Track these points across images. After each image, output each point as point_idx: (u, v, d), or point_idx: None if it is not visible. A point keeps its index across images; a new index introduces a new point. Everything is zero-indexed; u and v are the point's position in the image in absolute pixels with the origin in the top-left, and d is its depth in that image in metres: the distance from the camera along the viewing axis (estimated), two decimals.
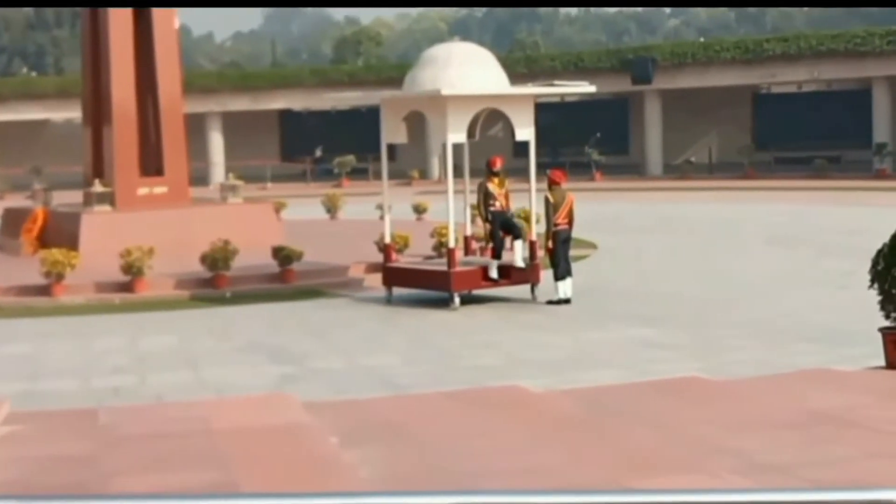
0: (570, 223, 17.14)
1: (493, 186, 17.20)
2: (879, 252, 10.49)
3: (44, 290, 18.22)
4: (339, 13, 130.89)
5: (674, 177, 43.38)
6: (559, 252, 16.86)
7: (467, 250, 18.17)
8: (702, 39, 54.50)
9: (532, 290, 16.91)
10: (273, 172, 46.27)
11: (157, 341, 14.73)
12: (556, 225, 16.93)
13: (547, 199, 17.02)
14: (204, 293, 18.30)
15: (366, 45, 78.40)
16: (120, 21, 23.29)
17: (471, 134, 17.09)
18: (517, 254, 16.89)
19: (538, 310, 16.42)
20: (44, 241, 22.34)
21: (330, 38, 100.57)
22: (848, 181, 38.66)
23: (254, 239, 20.13)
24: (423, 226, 23.43)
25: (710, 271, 20.23)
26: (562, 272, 16.77)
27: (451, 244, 16.69)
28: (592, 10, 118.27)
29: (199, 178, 37.98)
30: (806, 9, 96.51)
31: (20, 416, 8.53)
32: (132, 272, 18.16)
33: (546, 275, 17.10)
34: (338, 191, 35.53)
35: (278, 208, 26.18)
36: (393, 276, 17.39)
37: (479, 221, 17.98)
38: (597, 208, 28.25)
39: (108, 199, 22.86)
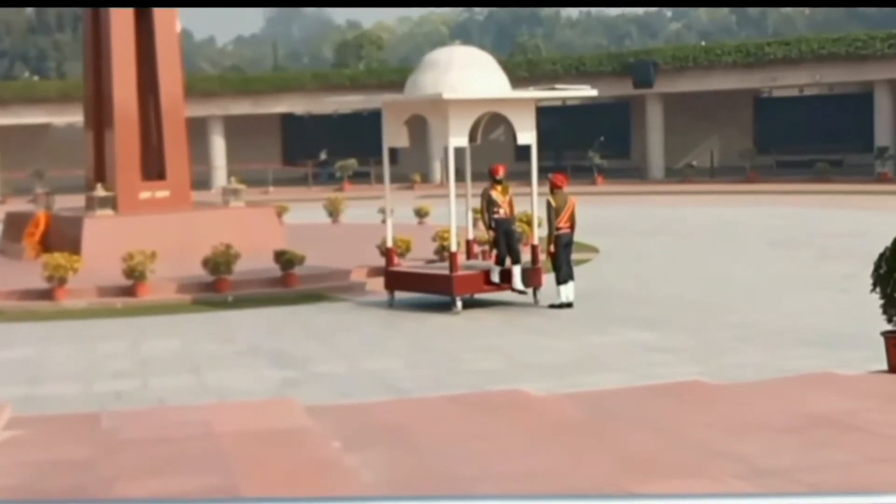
0: (572, 227, 17.15)
1: (496, 194, 17.17)
2: (881, 255, 10.48)
3: (46, 294, 18.23)
4: (340, 17, 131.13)
5: (675, 180, 43.38)
6: (561, 256, 16.86)
7: (469, 254, 18.17)
8: (703, 43, 54.47)
9: (534, 293, 16.92)
10: (275, 176, 46.33)
11: (159, 345, 14.72)
12: (557, 229, 16.93)
13: (549, 203, 17.03)
14: (206, 297, 18.30)
15: (367, 49, 78.36)
16: (121, 22, 23.28)
17: (472, 138, 17.07)
18: (516, 278, 16.80)
19: (540, 313, 16.41)
20: (46, 245, 22.35)
21: (331, 42, 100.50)
22: (849, 185, 38.70)
23: (256, 243, 20.14)
24: (425, 229, 23.40)
25: (712, 275, 20.23)
26: (564, 276, 16.77)
27: (453, 248, 16.70)
28: (594, 13, 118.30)
29: (201, 181, 37.98)
30: (807, 12, 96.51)
31: (22, 420, 8.54)
32: (134, 276, 18.17)
33: (548, 279, 17.10)
34: (339, 194, 35.48)
35: (280, 212, 26.15)
36: (395, 280, 17.38)
37: (481, 225, 17.97)
38: (598, 212, 28.26)
39: (111, 202, 22.88)
